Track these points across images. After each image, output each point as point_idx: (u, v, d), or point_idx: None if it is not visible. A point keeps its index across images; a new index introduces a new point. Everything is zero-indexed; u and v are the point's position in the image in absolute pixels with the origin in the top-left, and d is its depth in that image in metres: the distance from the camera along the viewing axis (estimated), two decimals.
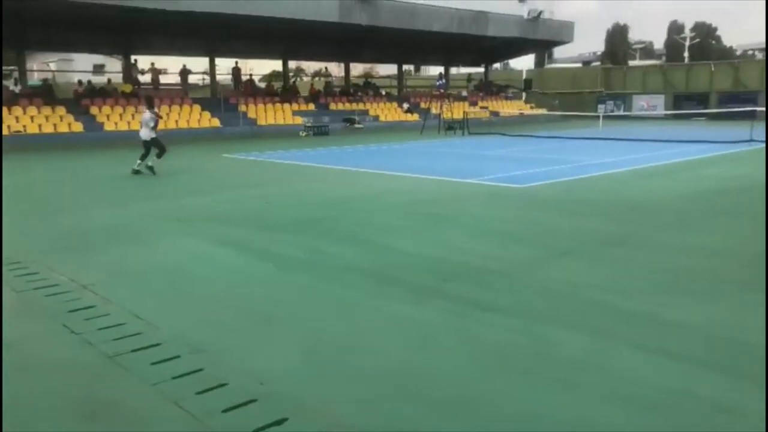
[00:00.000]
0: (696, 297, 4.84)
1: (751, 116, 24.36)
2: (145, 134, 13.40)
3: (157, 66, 30.79)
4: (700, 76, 42.48)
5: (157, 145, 13.41)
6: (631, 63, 60.24)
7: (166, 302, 4.88)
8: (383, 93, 38.59)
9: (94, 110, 24.85)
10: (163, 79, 31.79)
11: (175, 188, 11.59)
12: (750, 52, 73.60)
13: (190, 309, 4.72)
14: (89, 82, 28.18)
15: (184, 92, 30.24)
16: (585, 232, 7.30)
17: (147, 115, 13.69)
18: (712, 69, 42.45)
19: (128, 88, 27.47)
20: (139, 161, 13.30)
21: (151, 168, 13.12)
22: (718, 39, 72.64)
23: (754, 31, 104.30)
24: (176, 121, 26.07)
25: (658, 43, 76.36)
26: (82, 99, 25.58)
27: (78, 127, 23.38)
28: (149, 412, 3.13)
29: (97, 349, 3.88)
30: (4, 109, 22.26)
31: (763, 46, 73.17)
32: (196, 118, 27.02)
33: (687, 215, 8.35)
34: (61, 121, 23.30)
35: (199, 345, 3.93)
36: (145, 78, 30.38)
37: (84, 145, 21.42)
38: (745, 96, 37.07)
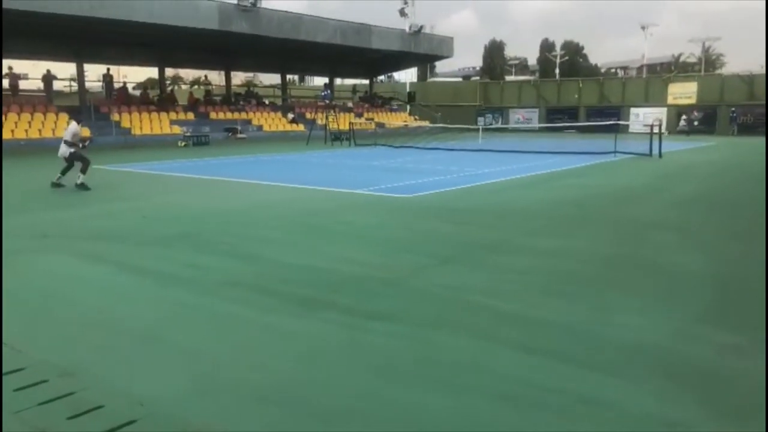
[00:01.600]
0: (565, 297, 5.17)
1: (614, 129, 26.54)
2: (64, 151, 12.41)
3: (16, 70, 28.38)
4: (569, 92, 45.81)
5: (80, 159, 12.35)
6: (508, 78, 63.77)
7: (30, 324, 4.49)
8: (267, 102, 38.11)
9: None
10: (24, 85, 29.39)
11: (41, 202, 10.74)
12: (612, 70, 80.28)
13: (59, 330, 4.37)
14: None
15: (48, 99, 28.13)
16: (465, 239, 7.60)
17: (72, 127, 12.64)
18: (580, 85, 45.91)
19: None
20: (59, 175, 12.30)
21: (83, 185, 12.03)
22: (585, 57, 78.58)
23: (615, 51, 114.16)
24: (39, 130, 24.20)
25: (532, 60, 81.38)
26: None
27: None
28: None
29: None
30: None
31: (623, 65, 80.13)
32: (62, 127, 25.12)
33: (558, 221, 8.92)
34: None
35: (69, 368, 3.65)
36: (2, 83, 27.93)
37: None
38: (609, 110, 40.45)
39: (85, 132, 14.13)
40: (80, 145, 12.69)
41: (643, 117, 38.30)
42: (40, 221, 8.68)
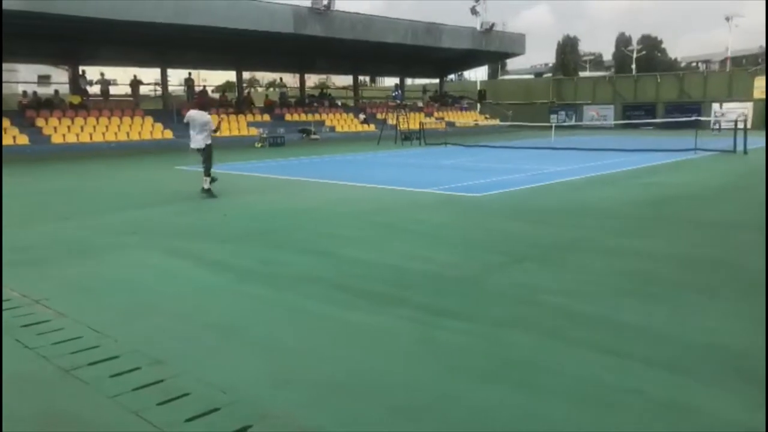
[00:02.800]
0: (645, 299, 5.03)
1: (695, 125, 25.38)
2: (200, 141, 11.15)
3: (107, 76, 30.11)
4: (647, 87, 44.09)
5: (209, 155, 11.27)
6: (582, 74, 62.02)
7: (123, 315, 4.80)
8: (339, 104, 38.69)
9: (40, 122, 24.13)
10: (113, 90, 31.11)
11: (129, 201, 11.36)
12: (693, 64, 76.67)
13: (148, 322, 4.66)
14: (34, 93, 27.39)
15: (135, 104, 29.66)
16: (539, 238, 7.50)
17: (204, 116, 11.18)
18: (659, 80, 44.11)
19: (76, 100, 26.79)
20: (205, 177, 11.27)
21: (210, 191, 11.14)
22: (664, 51, 75.47)
23: (696, 45, 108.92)
24: (127, 133, 25.55)
25: (607, 55, 78.87)
26: (27, 110, 24.83)
27: (23, 139, 22.65)
28: (110, 424, 3.10)
29: (52, 363, 3.80)
30: None
31: (705, 59, 76.43)
32: (148, 129, 26.54)
33: (635, 221, 8.66)
34: (6, 134, 22.54)
35: (158, 357, 3.89)
36: (94, 89, 29.67)
37: (30, 158, 20.77)
38: (689, 106, 38.60)
39: (214, 119, 12.05)
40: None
41: (725, 112, 36.34)
42: (130, 218, 9.19)
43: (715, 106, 37.96)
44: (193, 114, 11.40)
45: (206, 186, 11.31)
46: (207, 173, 11.36)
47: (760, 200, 10.39)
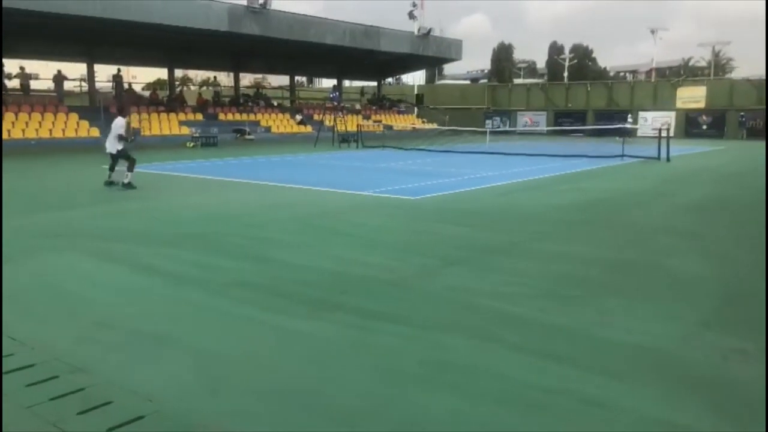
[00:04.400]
0: (571, 301, 5.19)
1: (623, 133, 26.51)
2: (112, 146, 12.32)
3: (28, 70, 28.61)
4: (578, 95, 45.78)
5: (125, 157, 12.30)
6: (516, 81, 63.64)
7: (42, 322, 4.56)
8: (275, 104, 38.25)
9: None
10: (35, 85, 29.60)
11: (52, 202, 10.84)
12: (621, 74, 79.98)
13: (70, 328, 4.43)
14: None
15: (58, 99, 28.35)
16: (472, 242, 7.62)
17: (119, 121, 12.34)
18: (589, 88, 45.87)
19: None
20: (109, 172, 12.43)
21: (129, 184, 12.04)
22: (594, 61, 78.32)
23: (624, 55, 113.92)
24: (50, 130, 24.39)
25: (541, 63, 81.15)
26: None
27: None
28: None
29: None
30: None
31: (632, 69, 79.88)
32: (73, 127, 25.43)
33: (564, 225, 8.93)
34: None
35: (80, 364, 3.70)
36: (13, 83, 28.13)
37: None
38: (618, 114, 40.32)
39: (135, 123, 14.12)
40: (129, 140, 12.60)
41: (651, 121, 38.18)
42: (51, 220, 8.77)
43: (642, 114, 39.77)
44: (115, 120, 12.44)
45: (126, 180, 12.09)
46: (130, 169, 12.17)
47: (682, 205, 10.94)
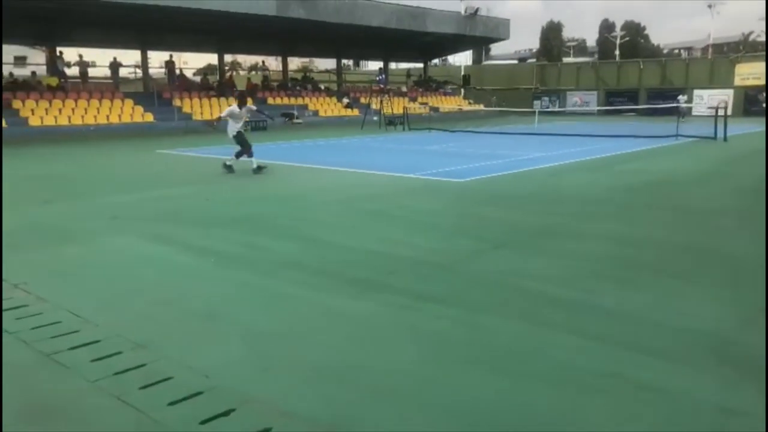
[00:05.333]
0: (623, 284, 5.11)
1: (677, 112, 25.64)
2: (234, 128, 12.58)
3: (85, 58, 29.58)
4: (630, 74, 44.33)
5: (244, 142, 12.55)
6: (565, 60, 62.18)
7: (104, 300, 4.77)
8: (322, 88, 38.44)
9: (17, 104, 23.73)
10: (92, 72, 30.60)
11: (109, 185, 11.25)
12: (676, 51, 77.17)
13: (130, 306, 4.63)
14: (11, 74, 26.84)
15: (114, 86, 29.25)
16: (520, 224, 7.55)
17: (241, 109, 12.67)
18: (641, 67, 44.36)
19: (54, 82, 26.34)
20: (234, 159, 12.64)
21: (259, 168, 12.37)
22: (647, 38, 75.79)
23: (679, 31, 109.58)
24: (107, 116, 25.20)
25: (591, 41, 79.07)
26: (3, 92, 24.35)
27: None
28: (91, 408, 3.09)
29: (32, 348, 3.78)
30: None
31: (687, 46, 76.98)
32: (128, 112, 26.20)
33: (615, 207, 8.75)
34: None
35: (140, 341, 3.88)
36: (72, 71, 29.14)
37: (7, 141, 20.40)
38: (672, 93, 38.90)
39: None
40: (214, 125, 13.37)
41: (707, 99, 36.71)
42: (111, 203, 9.10)
43: (681, 97, 38.26)
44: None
45: (255, 165, 12.42)
46: (250, 155, 12.52)
47: (738, 187, 10.55)
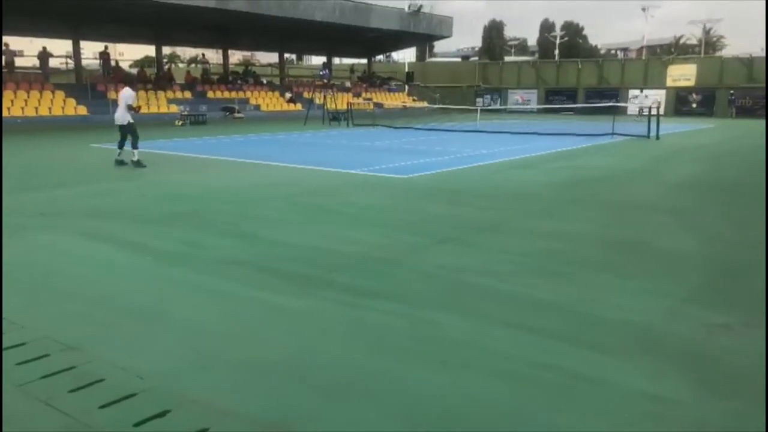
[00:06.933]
0: (560, 278, 5.24)
1: (613, 111, 26.55)
2: (122, 117, 11.97)
3: (12, 47, 28.14)
4: (569, 73, 45.61)
5: (132, 132, 11.93)
6: (507, 59, 63.36)
7: (32, 300, 4.55)
8: (264, 82, 37.90)
9: None
10: (19, 62, 29.15)
11: (40, 180, 10.75)
12: (612, 52, 79.82)
13: (60, 306, 4.43)
14: None
15: (44, 77, 27.96)
16: (462, 220, 7.65)
17: (127, 92, 12.12)
18: (579, 66, 45.70)
19: None
20: (118, 150, 12.11)
21: (138, 162, 11.84)
22: (585, 38, 78.04)
23: (616, 33, 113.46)
24: (36, 108, 24.10)
25: (532, 41, 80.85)
26: None
27: None
28: (17, 413, 2.93)
29: None
30: None
31: (623, 47, 79.72)
32: (59, 105, 25.13)
33: (552, 203, 8.98)
34: None
35: (70, 343, 3.71)
36: None
37: None
38: (608, 92, 40.30)
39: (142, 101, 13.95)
40: (136, 110, 12.38)
41: (641, 99, 38.16)
42: (38, 199, 8.71)
43: (634, 92, 39.63)
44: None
45: (135, 158, 11.93)
46: (135, 146, 11.94)
47: (670, 183, 11.01)
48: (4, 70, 26.70)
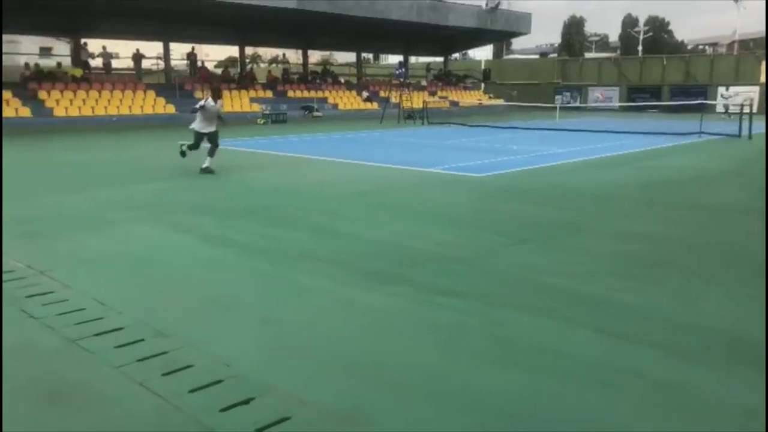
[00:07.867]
0: (644, 281, 5.07)
1: (700, 109, 25.25)
2: (209, 126, 11.38)
3: (109, 50, 29.88)
4: (652, 69, 43.70)
5: (215, 140, 11.49)
6: (587, 55, 61.44)
7: (127, 288, 4.85)
8: (342, 81, 38.44)
9: (42, 95, 24.04)
10: (115, 64, 30.90)
11: (131, 175, 11.38)
12: (700, 47, 75.91)
13: (151, 294, 4.71)
14: (36, 65, 27.20)
15: (137, 77, 29.51)
16: (540, 219, 7.52)
17: (218, 103, 11.53)
18: (665, 62, 43.71)
19: (78, 72, 26.63)
20: (209, 158, 11.36)
21: (207, 169, 11.23)
22: (670, 33, 74.62)
23: (704, 27, 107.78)
24: (129, 107, 25.46)
25: (614, 36, 78.10)
26: (29, 82, 24.70)
27: (26, 111, 22.60)
28: (115, 393, 3.15)
29: (58, 333, 3.86)
30: None
31: (712, 42, 75.70)
32: (150, 104, 26.43)
33: (634, 204, 8.67)
34: (8, 106, 22.46)
35: (162, 329, 3.94)
36: (96, 62, 29.46)
37: (32, 130, 20.72)
38: (695, 89, 38.29)
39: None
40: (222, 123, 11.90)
41: (732, 95, 36.07)
42: (133, 193, 9.22)
43: (721, 89, 37.53)
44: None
45: (205, 165, 11.42)
46: (213, 154, 11.46)
47: (760, 185, 10.38)
48: (101, 72, 28.41)
